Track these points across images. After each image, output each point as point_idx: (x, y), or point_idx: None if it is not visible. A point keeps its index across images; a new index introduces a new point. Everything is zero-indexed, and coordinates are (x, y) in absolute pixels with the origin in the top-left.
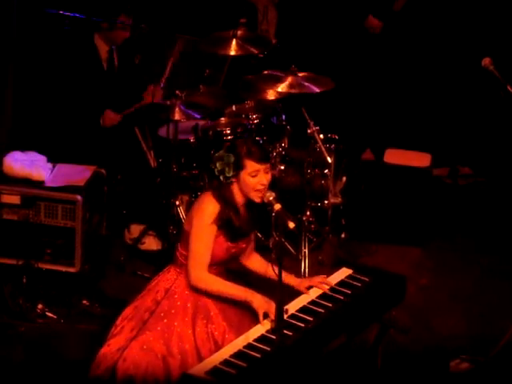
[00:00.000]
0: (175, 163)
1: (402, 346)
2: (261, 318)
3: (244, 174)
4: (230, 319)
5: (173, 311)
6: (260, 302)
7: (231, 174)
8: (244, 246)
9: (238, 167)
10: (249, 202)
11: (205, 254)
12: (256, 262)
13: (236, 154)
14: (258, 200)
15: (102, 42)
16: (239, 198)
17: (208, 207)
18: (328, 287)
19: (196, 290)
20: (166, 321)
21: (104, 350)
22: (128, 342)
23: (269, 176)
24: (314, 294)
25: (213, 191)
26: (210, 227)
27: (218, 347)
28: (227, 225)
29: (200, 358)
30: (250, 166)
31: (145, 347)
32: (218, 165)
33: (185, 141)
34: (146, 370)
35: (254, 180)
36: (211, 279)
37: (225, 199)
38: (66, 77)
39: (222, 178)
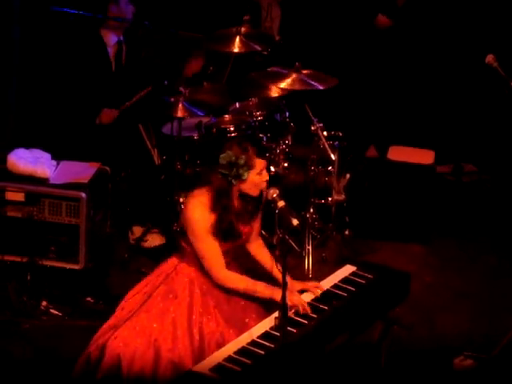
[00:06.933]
0: (179, 160)
1: (406, 343)
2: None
3: (253, 174)
4: (225, 312)
5: (170, 296)
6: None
7: (246, 176)
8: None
9: (250, 168)
10: (241, 195)
11: (216, 254)
12: (263, 256)
13: (247, 154)
14: (255, 194)
15: (109, 34)
16: (234, 196)
17: (194, 215)
18: (320, 292)
19: (198, 280)
20: (161, 305)
21: (101, 328)
22: (122, 322)
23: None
24: (308, 297)
25: (212, 190)
26: (204, 229)
27: (211, 338)
28: (216, 227)
29: (192, 346)
30: (259, 164)
31: (137, 328)
32: (233, 170)
33: (188, 138)
34: (135, 351)
35: (260, 178)
36: (236, 277)
37: (221, 200)
38: (71, 74)
39: (234, 181)
